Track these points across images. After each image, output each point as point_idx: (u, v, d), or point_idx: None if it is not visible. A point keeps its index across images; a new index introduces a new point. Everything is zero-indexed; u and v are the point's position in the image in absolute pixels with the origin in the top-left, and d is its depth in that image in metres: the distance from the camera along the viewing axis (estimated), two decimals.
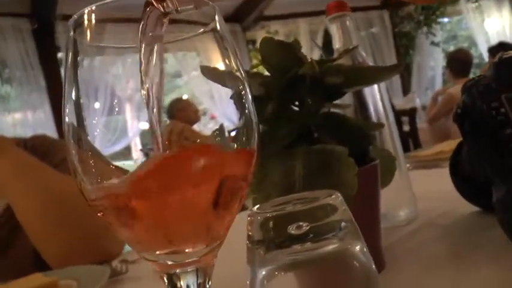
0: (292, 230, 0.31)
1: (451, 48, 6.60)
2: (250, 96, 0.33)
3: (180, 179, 0.28)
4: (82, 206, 0.31)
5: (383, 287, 0.34)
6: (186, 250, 0.30)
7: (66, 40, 0.31)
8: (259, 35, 5.76)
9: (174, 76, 0.34)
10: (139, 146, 0.32)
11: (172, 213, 0.29)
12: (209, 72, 0.34)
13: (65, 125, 0.30)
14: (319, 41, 5.66)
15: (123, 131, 0.31)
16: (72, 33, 0.30)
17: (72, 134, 0.30)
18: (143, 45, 0.29)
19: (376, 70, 0.48)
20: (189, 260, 0.30)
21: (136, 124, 0.32)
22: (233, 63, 0.33)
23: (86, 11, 0.30)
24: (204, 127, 0.34)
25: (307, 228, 0.31)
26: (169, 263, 0.30)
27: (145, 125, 0.31)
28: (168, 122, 0.31)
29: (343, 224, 0.32)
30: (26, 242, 0.94)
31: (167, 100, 0.32)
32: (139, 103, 0.30)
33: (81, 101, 0.30)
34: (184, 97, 0.35)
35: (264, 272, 0.34)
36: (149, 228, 0.29)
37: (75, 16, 0.30)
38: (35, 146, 1.01)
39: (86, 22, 0.30)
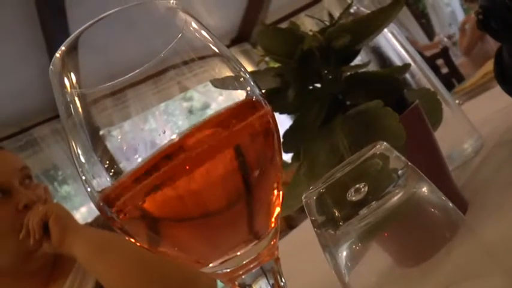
0: (351, 196, 0.30)
1: None
2: (257, 91, 0.33)
3: (190, 160, 0.27)
4: (166, 261, 0.31)
5: (473, 227, 0.31)
6: (238, 253, 0.29)
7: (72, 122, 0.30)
8: None
9: (203, 108, 0.34)
10: None
11: (200, 201, 0.27)
12: (220, 83, 0.33)
13: (96, 194, 0.29)
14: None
15: None
16: (85, 111, 0.30)
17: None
18: None
19: (378, 12, 0.46)
20: (248, 260, 0.29)
21: None
22: (238, 70, 0.32)
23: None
24: None
25: (366, 188, 0.29)
26: (228, 270, 0.29)
27: None
28: None
29: (400, 171, 0.30)
30: None
31: None
32: None
33: (121, 165, 0.29)
34: None
35: (344, 252, 0.32)
36: (184, 234, 0.28)
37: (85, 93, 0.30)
38: (100, 224, 1.04)
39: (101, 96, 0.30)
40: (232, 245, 0.28)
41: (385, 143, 0.31)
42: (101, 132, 0.30)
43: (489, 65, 1.31)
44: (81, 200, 4.45)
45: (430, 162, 0.47)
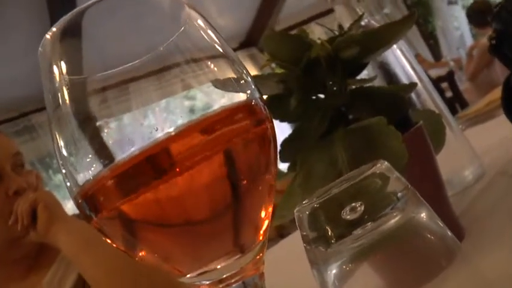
0: (346, 214, 0.28)
1: (471, 2, 6.39)
2: (257, 95, 0.31)
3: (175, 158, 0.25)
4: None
5: (469, 256, 0.30)
6: (218, 266, 0.27)
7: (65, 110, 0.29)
8: None
9: (205, 109, 0.33)
10: None
11: (181, 207, 0.25)
12: (221, 84, 0.32)
13: (75, 188, 0.28)
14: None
15: None
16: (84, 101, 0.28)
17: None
18: None
19: (389, 27, 0.44)
20: (229, 274, 0.27)
21: None
22: (241, 73, 0.31)
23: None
24: None
25: (362, 207, 0.28)
26: (207, 282, 0.27)
27: None
28: None
29: (399, 194, 0.29)
30: None
31: None
32: None
33: (117, 158, 0.28)
34: None
35: (333, 271, 0.30)
36: (162, 240, 0.26)
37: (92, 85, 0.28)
38: None
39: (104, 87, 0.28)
40: (213, 256, 0.27)
41: (386, 163, 0.29)
42: (98, 123, 0.28)
43: (495, 93, 1.30)
44: None
45: (429, 185, 0.46)
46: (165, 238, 0.27)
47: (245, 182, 0.27)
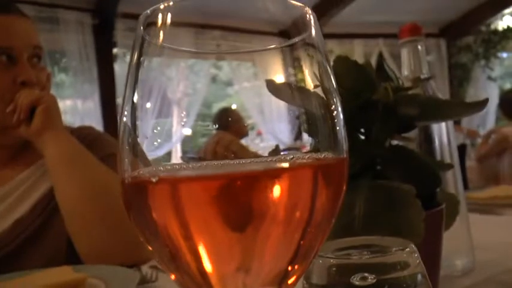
0: (356, 280, 0.27)
1: (507, 86, 6.36)
2: (341, 117, 0.29)
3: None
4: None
5: None
6: None
7: (134, 38, 0.28)
8: None
9: (226, 84, 0.32)
10: (180, 153, 0.29)
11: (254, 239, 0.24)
12: (275, 88, 0.30)
13: (122, 125, 0.27)
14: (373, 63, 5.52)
15: (167, 136, 0.29)
16: (142, 32, 0.27)
17: (128, 135, 0.27)
18: None
19: (457, 105, 0.43)
20: None
21: (180, 129, 0.29)
22: (309, 79, 0.29)
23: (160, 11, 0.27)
24: (251, 142, 0.31)
25: (374, 281, 0.27)
26: None
27: (188, 131, 0.29)
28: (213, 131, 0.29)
29: (416, 280, 0.28)
30: (62, 230, 0.92)
31: (216, 108, 0.30)
32: (187, 108, 0.29)
33: (138, 101, 0.27)
34: (234, 107, 0.32)
35: None
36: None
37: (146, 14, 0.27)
38: (81, 137, 1.01)
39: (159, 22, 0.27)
40: (261, 279, 0.25)
41: (417, 251, 0.28)
42: (141, 58, 0.27)
43: (502, 189, 1.30)
44: (71, 93, 4.38)
45: (428, 265, 0.45)
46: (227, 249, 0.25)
47: (312, 229, 0.25)
